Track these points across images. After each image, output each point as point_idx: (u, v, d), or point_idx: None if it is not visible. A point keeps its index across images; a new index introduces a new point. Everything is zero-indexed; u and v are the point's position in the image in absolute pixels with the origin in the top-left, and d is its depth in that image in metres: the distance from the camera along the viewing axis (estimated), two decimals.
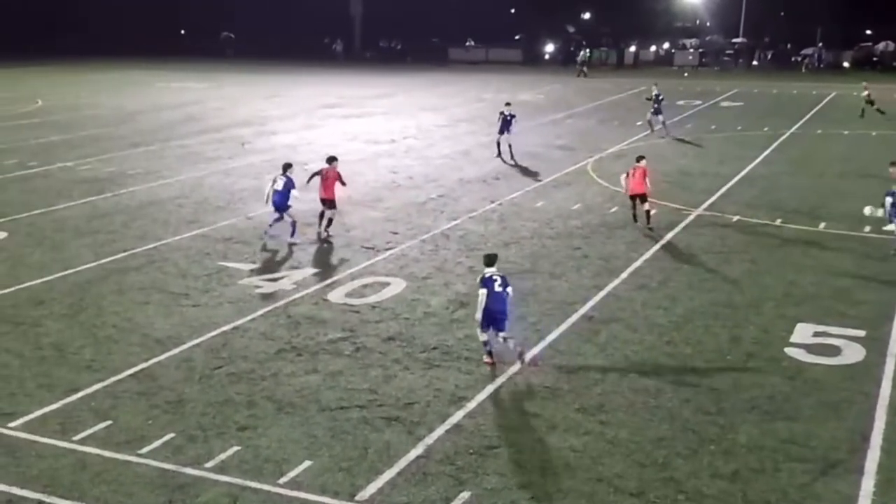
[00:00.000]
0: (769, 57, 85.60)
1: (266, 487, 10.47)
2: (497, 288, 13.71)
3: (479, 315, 13.75)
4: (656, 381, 13.42)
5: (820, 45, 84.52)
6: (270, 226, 21.12)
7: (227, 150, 34.18)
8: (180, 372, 13.70)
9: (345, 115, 45.38)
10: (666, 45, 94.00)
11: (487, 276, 13.81)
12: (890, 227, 19.70)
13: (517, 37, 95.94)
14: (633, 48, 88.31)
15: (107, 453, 11.22)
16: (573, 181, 28.23)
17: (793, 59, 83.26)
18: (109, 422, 12.04)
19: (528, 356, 14.10)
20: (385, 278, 18.29)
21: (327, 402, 12.70)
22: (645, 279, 18.31)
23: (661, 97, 38.00)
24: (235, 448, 11.36)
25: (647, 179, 21.87)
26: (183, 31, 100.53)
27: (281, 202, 20.64)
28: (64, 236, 21.58)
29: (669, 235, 21.58)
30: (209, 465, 10.95)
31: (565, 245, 20.84)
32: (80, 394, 12.89)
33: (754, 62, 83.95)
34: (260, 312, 16.25)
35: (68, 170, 30.13)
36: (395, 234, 21.76)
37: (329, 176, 21.23)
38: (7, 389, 13.05)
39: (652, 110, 37.91)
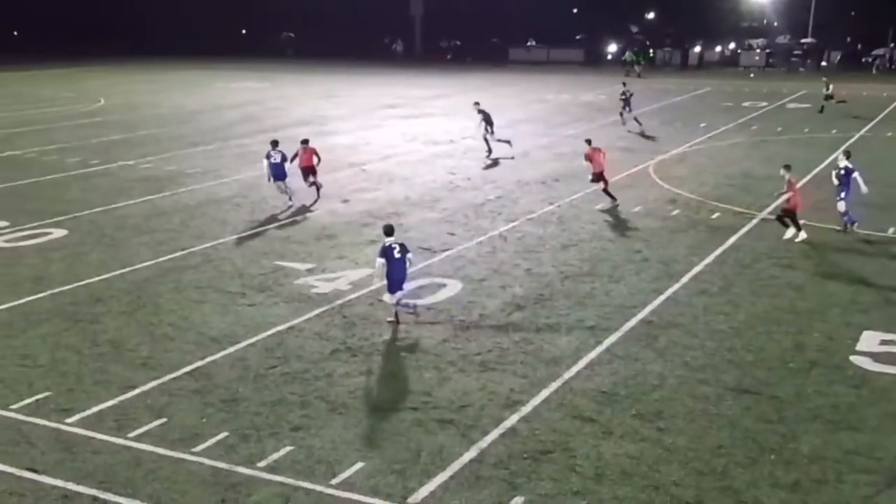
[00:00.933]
0: (839, 58, 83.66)
1: (318, 488, 10.47)
2: (396, 255, 15.23)
3: (380, 281, 15.36)
4: (716, 388, 13.15)
5: (892, 45, 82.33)
6: (284, 194, 24.57)
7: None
8: (235, 371, 13.77)
9: (404, 115, 45.46)
10: (732, 46, 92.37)
11: (387, 245, 15.31)
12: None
13: (578, 37, 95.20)
14: (697, 49, 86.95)
15: (161, 451, 11.31)
16: (634, 183, 27.85)
17: (863, 59, 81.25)
18: (164, 419, 12.15)
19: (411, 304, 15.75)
20: (441, 280, 18.20)
21: (381, 404, 12.67)
22: (706, 284, 17.96)
23: (628, 94, 40.51)
24: (288, 448, 11.38)
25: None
26: (244, 31, 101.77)
27: (281, 173, 24.34)
28: (123, 234, 21.89)
29: (732, 239, 21.16)
30: (262, 464, 10.98)
31: (625, 248, 20.55)
32: (136, 391, 13.03)
33: (823, 63, 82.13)
34: (315, 312, 16.28)
35: (129, 168, 30.62)
36: (453, 235, 21.66)
37: (306, 151, 25.19)
38: (65, 385, 13.24)
39: (622, 107, 40.52)
